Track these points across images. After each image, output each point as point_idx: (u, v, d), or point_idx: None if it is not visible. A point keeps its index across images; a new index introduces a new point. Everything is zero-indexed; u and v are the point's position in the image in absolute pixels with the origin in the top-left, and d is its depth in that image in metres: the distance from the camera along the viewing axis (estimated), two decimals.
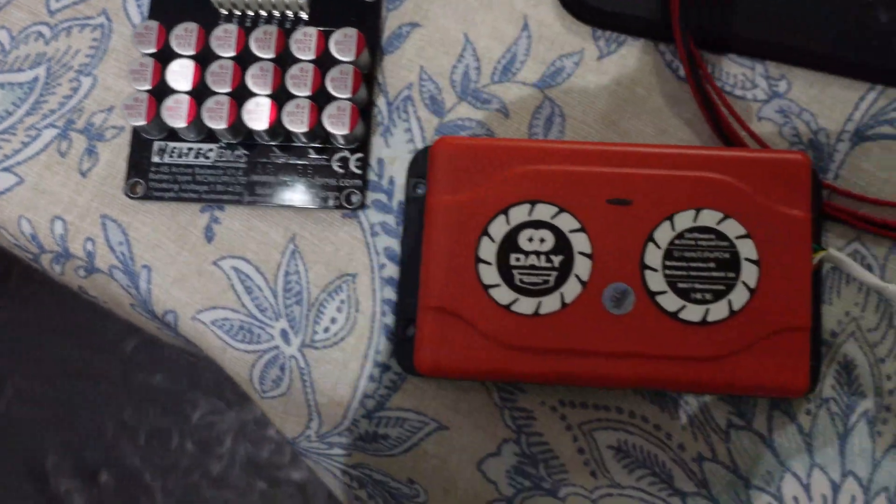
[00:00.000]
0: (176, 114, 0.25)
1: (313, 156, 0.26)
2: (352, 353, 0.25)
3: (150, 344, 0.53)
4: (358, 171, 0.26)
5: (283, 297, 0.26)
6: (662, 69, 0.26)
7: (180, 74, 0.25)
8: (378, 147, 0.26)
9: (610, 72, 0.26)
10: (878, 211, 0.25)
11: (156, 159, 0.26)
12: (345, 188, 0.26)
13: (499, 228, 0.23)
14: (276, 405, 0.27)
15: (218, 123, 0.25)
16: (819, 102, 0.26)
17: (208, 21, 0.26)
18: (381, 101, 0.27)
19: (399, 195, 0.26)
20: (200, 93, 0.25)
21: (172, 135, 0.26)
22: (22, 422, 0.52)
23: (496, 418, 0.25)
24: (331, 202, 0.26)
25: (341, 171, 0.26)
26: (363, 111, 0.26)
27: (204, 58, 0.26)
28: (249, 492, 0.51)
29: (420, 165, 0.25)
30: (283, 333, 0.26)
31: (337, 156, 0.26)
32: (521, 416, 0.25)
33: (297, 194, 0.26)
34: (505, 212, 0.23)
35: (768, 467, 0.24)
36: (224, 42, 0.26)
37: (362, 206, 0.26)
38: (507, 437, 0.25)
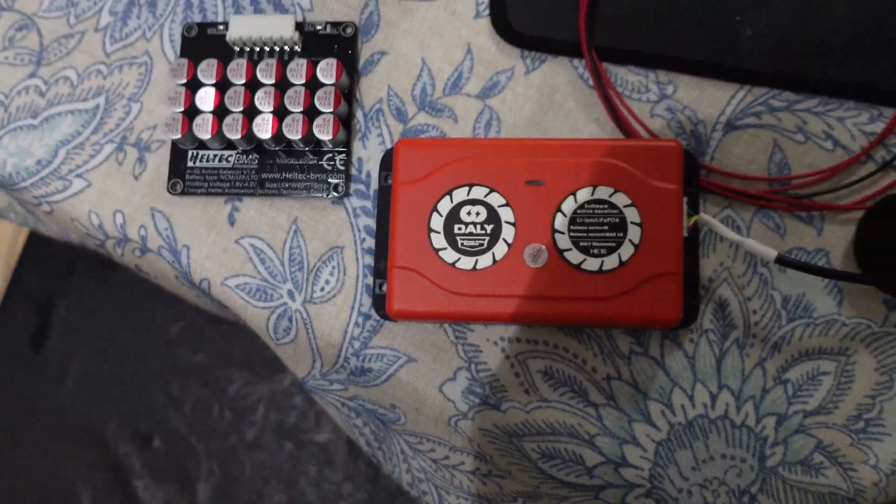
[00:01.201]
0: (203, 128, 0.33)
1: (308, 157, 0.34)
2: (342, 306, 0.33)
3: (191, 328, 0.61)
4: (342, 168, 0.34)
5: (289, 266, 0.34)
6: (575, 80, 0.34)
7: (205, 99, 0.33)
8: (357, 149, 0.34)
9: (535, 84, 0.34)
10: (745, 184, 0.32)
11: (190, 164, 0.34)
12: (333, 181, 0.34)
13: (445, 206, 0.31)
14: (287, 350, 0.35)
15: (234, 134, 0.33)
16: (698, 101, 0.33)
17: (225, 56, 0.34)
18: (359, 114, 0.34)
19: (374, 185, 0.34)
20: (221, 112, 0.33)
21: (201, 145, 0.34)
22: (86, 397, 0.61)
23: (451, 352, 0.33)
24: (322, 192, 0.33)
25: (330, 168, 0.34)
26: (344, 122, 0.34)
27: (222, 85, 0.34)
28: (279, 452, 0.59)
29: (388, 161, 0.33)
30: (290, 293, 0.33)
31: (326, 156, 0.34)
32: (471, 350, 0.32)
33: (296, 187, 0.34)
34: (449, 193, 0.31)
35: (661, 383, 0.32)
36: (236, 73, 0.34)
37: (346, 194, 0.34)
38: (460, 365, 0.32)
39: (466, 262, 0.30)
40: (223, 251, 0.34)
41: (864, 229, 0.31)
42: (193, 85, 0.34)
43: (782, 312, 0.31)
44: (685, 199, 0.30)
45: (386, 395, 0.34)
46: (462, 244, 0.30)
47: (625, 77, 0.33)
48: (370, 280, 0.33)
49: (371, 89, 0.34)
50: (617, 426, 0.31)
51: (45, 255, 0.64)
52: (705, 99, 0.33)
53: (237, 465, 0.58)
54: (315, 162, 0.34)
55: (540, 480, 0.33)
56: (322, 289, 0.33)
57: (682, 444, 0.31)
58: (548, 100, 0.33)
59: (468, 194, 0.31)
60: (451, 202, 0.31)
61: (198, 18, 0.36)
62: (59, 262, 0.64)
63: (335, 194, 0.33)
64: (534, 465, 0.32)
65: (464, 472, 0.35)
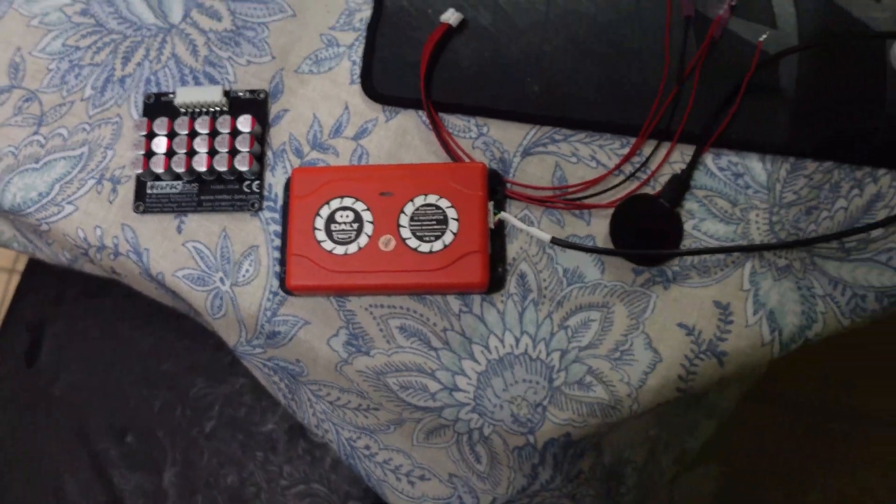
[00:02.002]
0: (158, 165, 0.47)
1: (233, 184, 0.48)
2: (257, 287, 0.46)
3: (161, 343, 0.74)
4: (257, 191, 0.47)
5: (220, 260, 0.47)
6: (420, 124, 0.48)
7: (159, 144, 0.47)
8: (268, 177, 0.48)
9: (392, 128, 0.48)
10: (536, 192, 0.46)
11: (149, 191, 0.48)
12: (251, 200, 0.47)
13: (325, 211, 0.44)
14: (222, 323, 0.48)
15: (180, 168, 0.47)
16: (504, 137, 0.47)
17: (174, 115, 0.48)
18: (269, 153, 0.48)
19: (280, 202, 0.47)
20: (170, 153, 0.47)
21: (157, 178, 0.48)
22: (72, 401, 0.73)
23: (335, 316, 0.46)
24: (243, 208, 0.47)
25: (248, 191, 0.47)
26: (258, 158, 0.47)
27: (171, 135, 0.48)
28: (232, 441, 0.71)
29: (288, 185, 0.47)
30: (221, 279, 0.47)
31: (245, 183, 0.47)
32: (349, 314, 0.46)
33: (224, 205, 0.47)
34: (328, 202, 0.44)
35: (481, 332, 0.45)
36: (181, 126, 0.48)
37: (260, 209, 0.47)
38: (341, 325, 0.46)
39: (340, 250, 0.44)
40: (173, 252, 0.47)
41: (615, 220, 0.45)
42: (151, 136, 0.48)
43: (563, 280, 0.45)
44: (491, 203, 0.44)
45: (292, 352, 0.47)
46: (337, 237, 0.44)
47: (454, 122, 0.48)
48: (277, 268, 0.46)
49: (278, 135, 0.48)
50: (451, 363, 0.45)
51: (37, 284, 0.77)
52: (509, 135, 0.47)
53: (197, 453, 0.70)
54: (238, 187, 0.47)
55: (402, 408, 0.46)
56: (243, 276, 0.46)
57: (496, 373, 0.44)
58: (401, 139, 0.48)
59: (341, 203, 0.44)
60: (329, 209, 0.44)
61: (155, 90, 0.50)
62: (50, 291, 0.77)
63: (252, 209, 0.47)
64: (395, 395, 0.45)
65: (350, 409, 0.48)
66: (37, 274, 0.79)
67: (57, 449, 0.71)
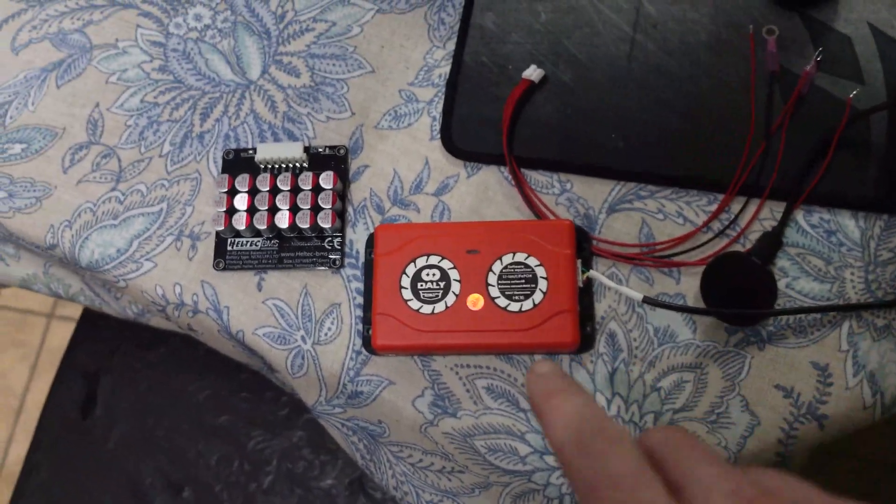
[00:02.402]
0: (240, 222, 0.47)
1: (314, 241, 0.47)
2: (340, 346, 0.46)
3: (217, 396, 0.73)
4: (338, 248, 0.47)
5: (301, 318, 0.46)
6: (502, 180, 0.47)
7: (241, 201, 0.47)
8: (349, 233, 0.47)
9: (474, 183, 0.47)
10: (623, 250, 0.45)
11: (229, 248, 0.47)
12: (332, 257, 0.47)
13: (410, 269, 0.44)
14: (302, 382, 0.47)
15: (262, 225, 0.46)
16: (588, 193, 0.47)
17: (254, 171, 0.48)
18: (349, 209, 0.48)
19: (361, 259, 0.47)
20: (252, 210, 0.47)
21: (237, 234, 0.48)
22: (127, 455, 0.72)
23: (419, 376, 0.45)
24: (325, 265, 0.47)
25: (329, 248, 0.47)
26: (339, 214, 0.47)
27: (253, 191, 0.47)
28: (290, 496, 0.70)
29: (371, 241, 0.46)
30: (302, 338, 0.46)
31: (326, 240, 0.47)
32: (434, 374, 0.45)
33: (305, 262, 0.47)
34: (413, 260, 0.44)
35: None
36: (263, 182, 0.47)
37: (342, 266, 0.47)
38: (426, 385, 0.45)
39: (427, 309, 0.43)
40: (253, 309, 0.47)
41: (706, 278, 0.44)
42: (232, 192, 0.47)
43: (654, 339, 0.44)
44: (579, 261, 0.44)
45: (374, 412, 0.46)
46: (423, 296, 0.43)
47: (536, 177, 0.47)
48: (360, 326, 0.46)
49: (358, 191, 0.48)
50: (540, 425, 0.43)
51: (92, 334, 0.77)
52: (593, 192, 0.46)
53: None
54: (319, 244, 0.47)
55: (489, 471, 0.45)
56: (325, 334, 0.46)
57: None
58: (483, 194, 0.47)
59: (427, 261, 0.44)
60: (415, 267, 0.44)
61: (233, 146, 0.50)
62: (105, 345, 0.76)
63: (334, 266, 0.47)
64: (483, 458, 0.44)
65: (433, 472, 0.47)
66: (91, 323, 0.79)
67: None
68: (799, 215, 0.45)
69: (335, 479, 0.70)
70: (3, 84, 0.53)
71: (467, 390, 0.44)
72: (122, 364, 0.76)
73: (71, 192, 0.50)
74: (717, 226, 0.45)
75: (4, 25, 0.54)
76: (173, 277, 0.48)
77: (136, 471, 0.72)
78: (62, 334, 1.37)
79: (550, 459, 0.43)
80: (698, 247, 0.45)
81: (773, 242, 0.44)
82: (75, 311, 1.37)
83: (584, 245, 0.45)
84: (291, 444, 0.72)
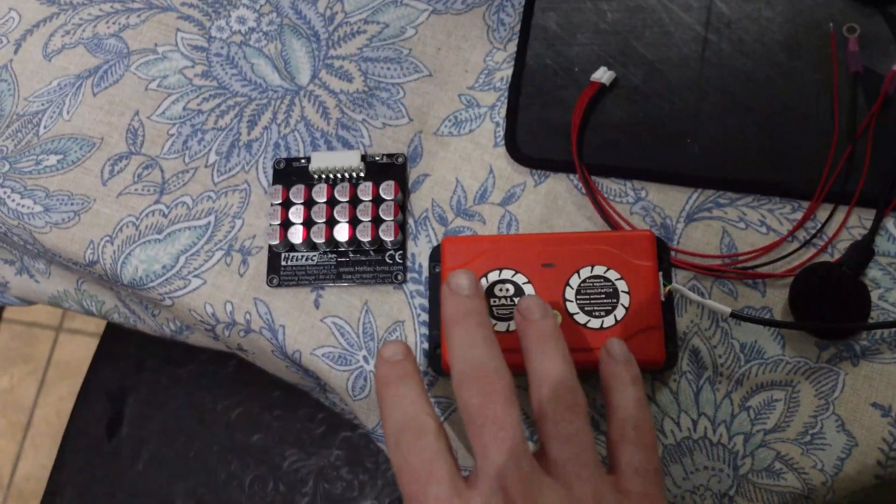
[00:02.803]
0: (295, 236, 0.44)
1: (373, 255, 0.45)
2: None
3: (249, 414, 0.70)
4: (400, 262, 0.44)
5: (363, 337, 0.44)
6: (572, 189, 0.45)
7: (297, 213, 0.44)
8: (410, 247, 0.45)
9: (542, 192, 0.45)
10: (704, 261, 0.43)
11: (283, 263, 0.45)
12: (394, 272, 0.44)
13: (483, 284, 0.41)
14: (362, 405, 0.44)
15: (319, 239, 0.44)
16: (664, 201, 0.44)
17: (307, 182, 0.46)
18: (410, 221, 0.45)
19: (425, 273, 0.44)
20: (308, 223, 0.44)
21: (291, 248, 0.45)
22: (156, 477, 0.69)
23: None
24: (386, 280, 0.44)
25: (390, 262, 0.44)
26: (401, 226, 0.45)
27: (309, 203, 0.45)
28: None
29: (436, 255, 0.44)
30: (365, 358, 0.43)
31: (387, 253, 0.44)
32: None
33: (366, 277, 0.44)
34: (485, 275, 0.41)
35: (654, 414, 0.41)
36: (319, 193, 0.45)
37: (404, 281, 0.44)
38: None
39: (501, 326, 0.40)
40: (311, 328, 0.44)
41: (795, 290, 0.41)
42: (286, 204, 0.45)
43: (741, 356, 0.41)
44: (660, 273, 0.41)
45: None
46: (497, 312, 0.41)
47: (609, 185, 0.45)
48: (426, 345, 0.43)
49: (419, 202, 0.46)
50: None
51: (117, 352, 0.74)
52: (669, 200, 0.44)
53: None
54: (380, 258, 0.44)
55: None
56: None
57: (674, 459, 0.41)
58: (552, 204, 0.45)
59: (499, 276, 0.41)
60: (487, 281, 0.41)
61: (284, 155, 0.47)
62: (130, 362, 0.73)
63: (396, 282, 0.44)
64: None
65: None
66: (114, 339, 0.76)
67: None
68: (889, 223, 0.42)
69: (374, 499, 0.67)
70: (35, 92, 0.50)
71: None
72: (148, 381, 0.73)
73: (111, 205, 0.47)
74: (802, 235, 0.43)
75: (35, 30, 0.52)
76: (224, 295, 0.45)
77: (167, 493, 0.69)
78: (71, 348, 1.33)
79: None
80: (784, 257, 0.42)
81: (863, 252, 0.41)
82: (85, 325, 1.34)
83: (663, 257, 0.42)
84: (328, 463, 0.69)
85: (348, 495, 0.68)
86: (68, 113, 0.49)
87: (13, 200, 0.48)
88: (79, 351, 1.32)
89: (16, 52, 0.51)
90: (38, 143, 0.49)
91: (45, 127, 0.49)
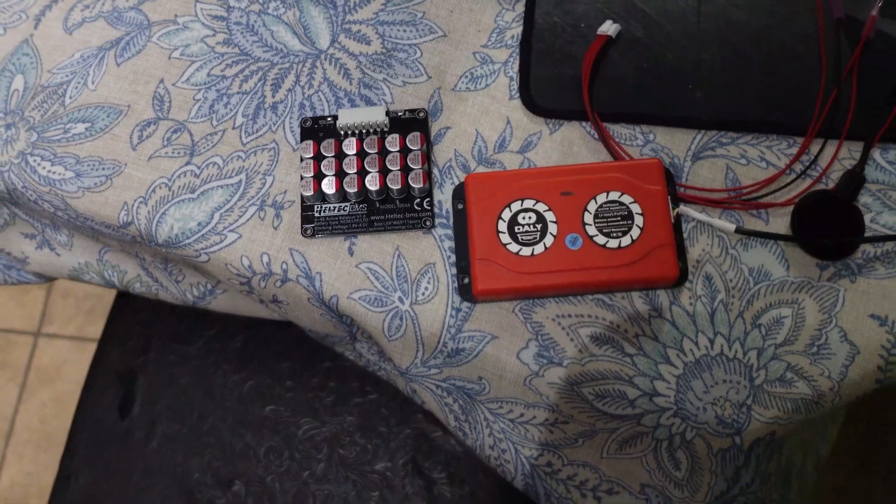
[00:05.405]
0: (329, 187, 0.46)
1: (403, 203, 0.47)
2: (439, 304, 0.45)
3: (260, 387, 0.72)
4: (428, 208, 0.47)
5: (397, 280, 0.46)
6: (585, 135, 0.48)
7: (328, 166, 0.47)
8: (437, 194, 0.47)
9: (557, 140, 0.48)
10: (711, 195, 0.46)
11: (317, 214, 0.47)
12: (423, 218, 0.47)
13: (506, 214, 0.44)
14: (397, 345, 0.46)
15: (352, 188, 0.46)
16: (672, 143, 0.48)
17: (337, 137, 0.48)
18: (434, 171, 0.48)
19: (452, 217, 0.47)
20: (340, 174, 0.47)
21: (323, 200, 0.47)
22: (170, 453, 0.70)
23: (522, 329, 0.45)
24: (416, 226, 0.47)
25: (419, 209, 0.47)
26: (428, 175, 0.47)
27: (340, 156, 0.47)
28: (345, 483, 0.69)
29: (459, 193, 0.46)
30: (400, 299, 0.46)
31: (415, 201, 0.47)
32: (536, 325, 0.45)
33: (396, 224, 0.47)
34: (508, 205, 0.44)
35: (674, 335, 0.44)
36: (349, 146, 0.47)
37: (433, 226, 0.47)
38: (530, 337, 0.45)
39: (526, 251, 0.43)
40: (347, 274, 0.46)
41: (796, 215, 0.45)
42: (318, 158, 0.47)
43: (749, 279, 0.45)
44: (669, 197, 0.44)
45: (475, 369, 0.46)
46: (521, 239, 0.44)
47: (619, 131, 0.48)
48: (457, 284, 0.46)
49: (442, 153, 0.48)
50: (647, 368, 0.44)
51: (124, 335, 0.75)
52: (676, 141, 0.48)
53: (309, 497, 0.68)
54: (408, 206, 0.47)
55: (596, 418, 0.45)
56: (423, 294, 0.46)
57: (695, 375, 0.44)
58: (568, 150, 0.48)
59: (522, 205, 0.44)
60: (511, 211, 0.44)
61: (309, 115, 0.49)
62: (138, 341, 0.74)
63: (425, 227, 0.46)
64: (590, 405, 0.44)
65: (535, 425, 0.47)
66: (118, 323, 0.77)
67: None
68: (876, 153, 0.46)
69: (388, 461, 0.69)
70: (59, 64, 0.52)
71: (571, 339, 0.45)
72: (156, 361, 0.74)
73: (143, 168, 0.49)
74: (798, 167, 0.47)
75: (55, 6, 0.53)
76: (260, 247, 0.47)
77: (183, 469, 0.70)
78: (51, 353, 1.32)
79: (660, 401, 0.44)
80: (783, 188, 0.46)
81: (855, 179, 0.45)
82: (63, 328, 1.33)
83: (671, 184, 0.46)
84: (342, 429, 0.71)
85: (363, 459, 0.69)
86: (93, 83, 0.51)
87: (44, 168, 0.49)
88: (58, 355, 1.31)
89: (36, 26, 0.53)
90: (65, 112, 0.50)
91: (70, 97, 0.51)
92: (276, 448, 0.70)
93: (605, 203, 0.44)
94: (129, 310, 0.77)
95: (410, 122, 0.48)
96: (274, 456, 0.70)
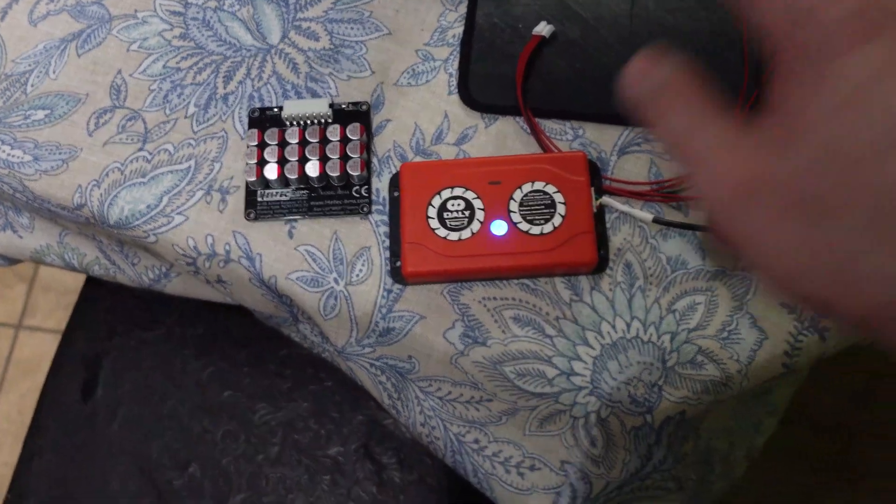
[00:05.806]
0: (271, 173, 0.49)
1: (340, 190, 0.50)
2: (372, 285, 0.48)
3: (219, 373, 0.74)
4: (366, 195, 0.49)
5: (333, 261, 0.48)
6: (518, 129, 0.51)
7: (271, 153, 0.49)
8: (375, 182, 0.50)
9: (492, 133, 0.51)
10: (635, 188, 0.49)
11: (259, 199, 0.49)
12: (360, 204, 0.49)
13: (436, 201, 0.46)
14: (333, 324, 0.49)
15: (293, 175, 0.49)
16: (600, 138, 0.50)
17: (282, 127, 0.51)
18: (374, 160, 0.51)
19: (387, 205, 0.49)
20: (282, 162, 0.49)
21: (267, 185, 0.50)
22: (131, 435, 0.72)
23: (449, 309, 0.47)
24: (354, 212, 0.49)
25: (357, 195, 0.49)
26: (366, 164, 0.50)
27: (283, 144, 0.50)
28: (298, 467, 0.71)
29: (395, 181, 0.49)
30: (335, 279, 0.48)
31: (354, 188, 0.50)
32: (463, 307, 0.47)
33: (335, 209, 0.49)
34: (439, 193, 0.47)
35: (593, 319, 0.47)
36: (292, 135, 0.50)
37: (370, 212, 0.49)
38: (456, 318, 0.47)
39: (454, 236, 0.46)
40: (286, 256, 0.49)
41: None
42: (262, 145, 0.50)
43: (667, 267, 0.47)
44: (593, 189, 0.47)
45: (405, 348, 0.48)
46: (450, 224, 0.46)
47: (550, 126, 0.51)
48: (389, 267, 0.48)
49: (382, 143, 0.51)
50: (566, 349, 0.46)
51: (90, 321, 0.77)
52: (604, 136, 0.50)
53: (263, 480, 0.70)
54: (347, 192, 0.49)
55: (517, 396, 0.47)
56: (357, 275, 0.48)
57: (611, 356, 0.46)
58: (501, 143, 0.50)
59: (452, 193, 0.47)
60: (441, 198, 0.46)
61: (257, 105, 0.52)
62: (102, 328, 0.77)
63: (362, 213, 0.49)
64: (511, 383, 0.47)
65: (462, 403, 0.49)
66: (85, 310, 0.79)
67: (119, 486, 0.70)
68: None
69: (341, 446, 0.72)
70: (23, 54, 0.54)
71: (495, 320, 0.47)
72: (120, 346, 0.76)
73: (98, 153, 0.51)
74: None
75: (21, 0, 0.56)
76: (205, 229, 0.49)
77: (143, 450, 0.72)
78: (31, 345, 1.34)
79: (577, 380, 0.46)
80: None
81: None
82: (45, 321, 1.35)
83: (595, 176, 0.48)
84: (296, 415, 0.73)
85: (316, 444, 0.72)
86: (54, 73, 0.54)
87: (3, 151, 0.52)
88: (39, 348, 1.33)
89: (2, 18, 0.55)
90: (27, 100, 0.53)
91: (32, 85, 0.53)
92: (232, 432, 0.72)
93: (531, 192, 0.46)
94: (95, 297, 0.79)
95: (353, 114, 0.51)
96: (230, 440, 0.72)
